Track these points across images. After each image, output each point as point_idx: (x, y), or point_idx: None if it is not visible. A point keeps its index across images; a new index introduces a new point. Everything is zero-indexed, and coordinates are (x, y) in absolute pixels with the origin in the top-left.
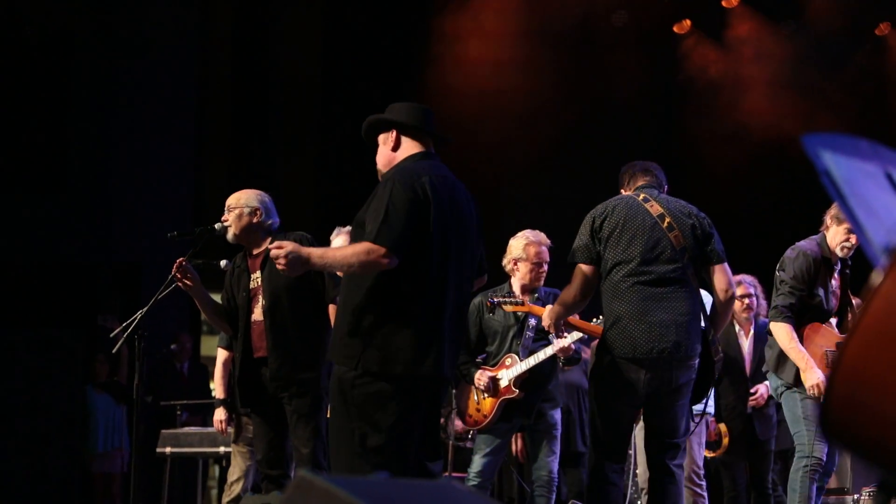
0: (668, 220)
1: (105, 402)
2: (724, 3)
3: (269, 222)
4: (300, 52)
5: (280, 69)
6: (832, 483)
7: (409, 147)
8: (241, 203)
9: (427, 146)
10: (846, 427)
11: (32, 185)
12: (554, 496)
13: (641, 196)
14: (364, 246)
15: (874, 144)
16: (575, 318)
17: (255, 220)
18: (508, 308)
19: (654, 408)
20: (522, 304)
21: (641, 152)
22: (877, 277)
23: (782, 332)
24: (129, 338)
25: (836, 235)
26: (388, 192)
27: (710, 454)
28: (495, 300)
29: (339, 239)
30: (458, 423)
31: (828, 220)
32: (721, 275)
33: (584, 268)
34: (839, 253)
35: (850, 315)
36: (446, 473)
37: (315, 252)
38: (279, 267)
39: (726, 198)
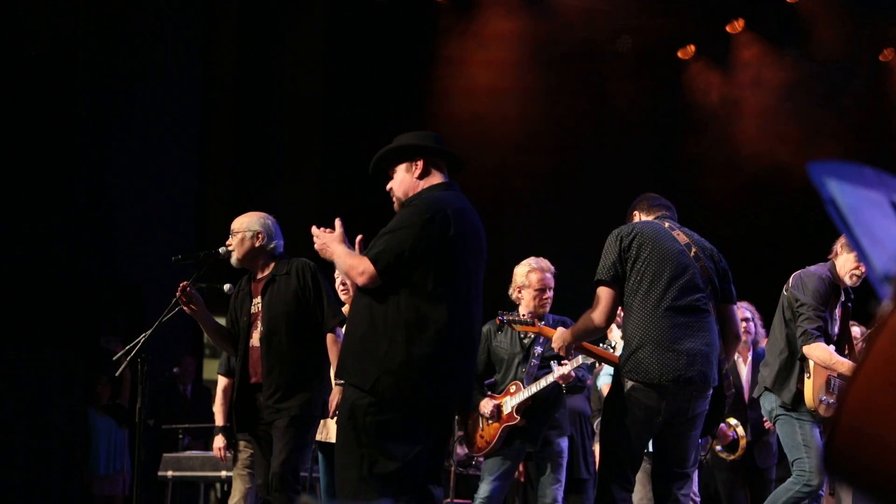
0: (694, 249)
1: (107, 424)
2: (728, 29)
3: (272, 245)
4: (303, 75)
5: (283, 91)
6: None
7: (434, 176)
8: (244, 227)
9: (446, 175)
10: (852, 460)
11: (35, 205)
12: None
13: (666, 224)
14: (358, 259)
15: (879, 173)
16: (587, 343)
17: (257, 243)
18: (518, 327)
19: (668, 436)
20: (533, 323)
21: (644, 178)
22: (886, 308)
23: (822, 352)
24: (133, 361)
25: (846, 263)
26: (404, 214)
27: (729, 457)
28: (505, 318)
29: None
30: (460, 450)
31: (838, 247)
32: (734, 314)
33: (610, 290)
34: (848, 281)
35: (846, 349)
36: (448, 500)
37: (338, 250)
38: (316, 243)
39: (726, 223)
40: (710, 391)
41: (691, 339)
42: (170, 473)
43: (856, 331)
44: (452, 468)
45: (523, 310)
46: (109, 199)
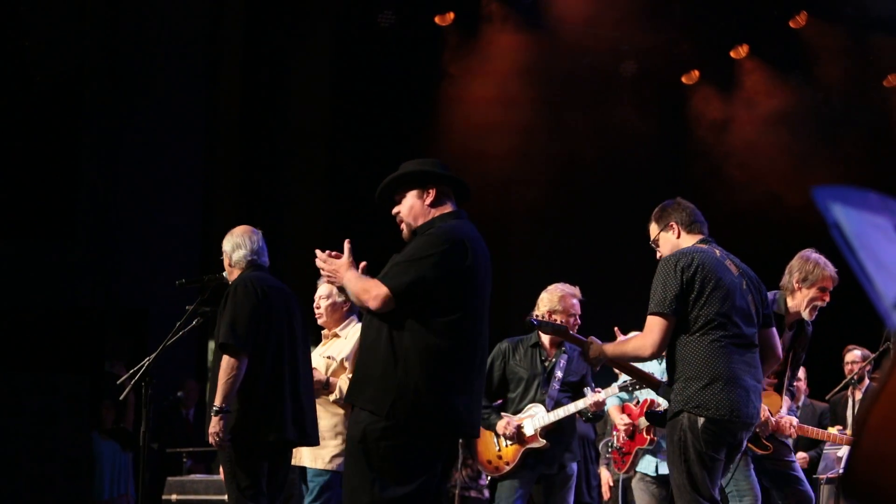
0: (745, 281)
1: (111, 448)
2: (732, 55)
3: (237, 259)
4: (309, 100)
5: (288, 115)
6: None
7: (445, 205)
8: (225, 248)
9: (454, 204)
10: (871, 485)
11: (40, 230)
12: None
13: (717, 252)
14: (370, 283)
15: (884, 197)
16: (632, 365)
17: (229, 263)
18: (547, 331)
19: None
20: (566, 330)
21: (647, 202)
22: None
23: None
24: (136, 384)
25: (805, 297)
26: (423, 241)
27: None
28: (537, 320)
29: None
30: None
31: (794, 283)
32: (775, 337)
33: (668, 322)
34: (806, 315)
35: (786, 378)
36: None
37: (348, 275)
38: (322, 271)
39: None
40: None
41: (750, 377)
42: (174, 497)
43: (857, 354)
44: (457, 491)
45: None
46: (115, 224)
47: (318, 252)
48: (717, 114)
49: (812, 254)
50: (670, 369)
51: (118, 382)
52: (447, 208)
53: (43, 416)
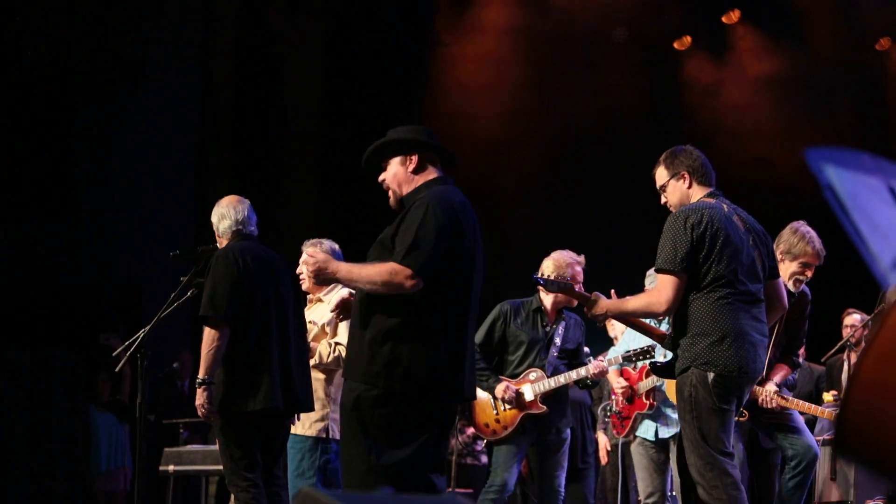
0: (752, 236)
1: (108, 420)
2: (724, 20)
3: (224, 229)
4: (302, 75)
5: (282, 89)
6: (834, 496)
7: (429, 171)
8: (213, 219)
9: (440, 170)
10: (862, 441)
11: (34, 206)
12: None
13: (725, 207)
14: (390, 266)
15: (877, 158)
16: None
17: (217, 234)
18: (553, 289)
19: None
20: (572, 287)
21: (639, 167)
22: (893, 293)
23: None
24: (132, 356)
25: (787, 269)
26: (420, 214)
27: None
28: (543, 279)
29: (308, 251)
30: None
31: (779, 254)
32: (781, 288)
33: (679, 280)
34: (791, 287)
35: (779, 348)
36: (449, 489)
37: (343, 267)
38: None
39: None
40: None
41: (757, 332)
42: (171, 468)
43: (856, 318)
44: (454, 458)
45: (549, 298)
46: (108, 198)
47: (304, 256)
48: (709, 79)
49: (801, 227)
50: (678, 325)
51: (114, 355)
52: (432, 174)
53: (40, 391)
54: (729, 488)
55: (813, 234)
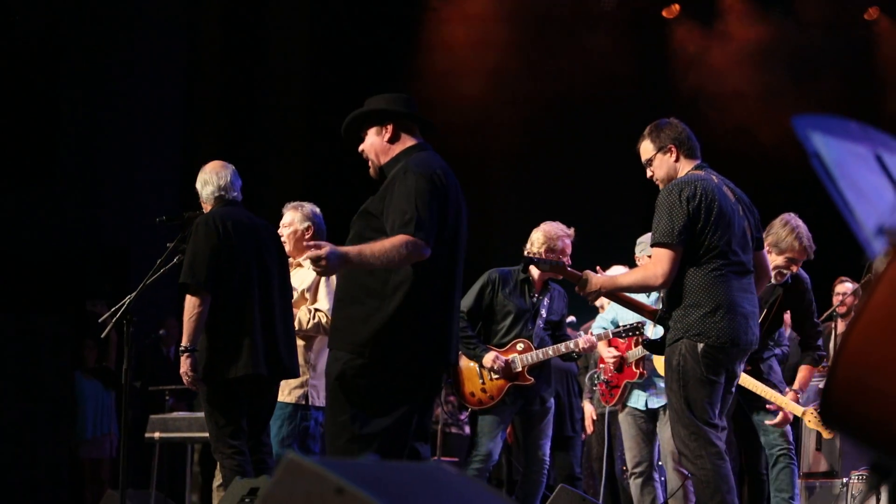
0: (741, 206)
1: (94, 387)
2: None
3: (208, 195)
4: (289, 39)
5: (269, 55)
6: (821, 467)
7: (405, 139)
8: (197, 185)
9: (419, 137)
10: (848, 410)
11: (20, 172)
12: (545, 478)
13: (714, 178)
14: (402, 239)
15: (864, 126)
16: (626, 294)
17: (201, 200)
18: (545, 268)
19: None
20: (563, 266)
21: (626, 134)
22: (881, 263)
23: None
24: (118, 323)
25: (772, 262)
26: (410, 182)
27: None
28: (535, 257)
29: (288, 214)
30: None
31: (766, 245)
32: (766, 259)
33: (676, 252)
34: (773, 279)
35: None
36: (434, 458)
37: (352, 251)
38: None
39: None
40: None
41: (749, 304)
42: (157, 435)
43: (847, 286)
44: (439, 426)
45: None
46: (95, 164)
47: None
48: (697, 47)
49: (792, 220)
50: (671, 297)
51: (100, 321)
52: (409, 142)
53: (26, 357)
54: (713, 458)
55: (802, 229)
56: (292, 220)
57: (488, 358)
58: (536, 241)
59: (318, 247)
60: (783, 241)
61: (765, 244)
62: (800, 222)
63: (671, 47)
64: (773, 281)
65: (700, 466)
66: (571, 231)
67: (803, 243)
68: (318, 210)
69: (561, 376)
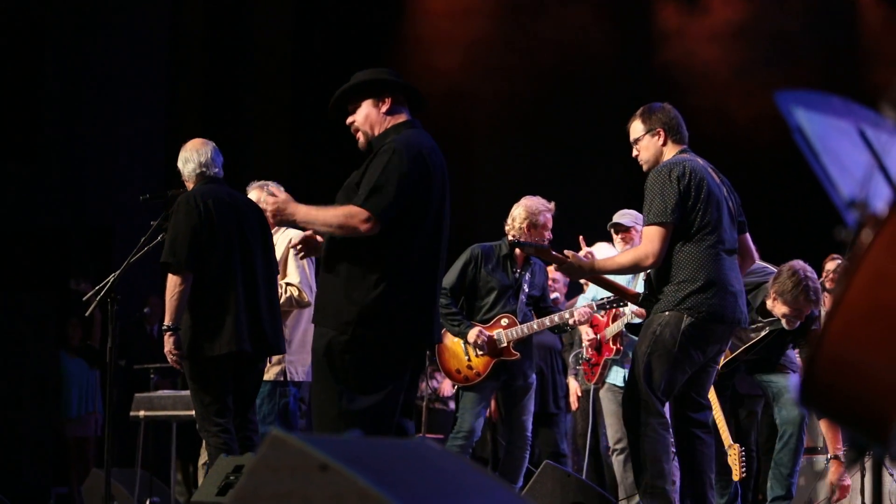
0: (725, 188)
1: (79, 366)
2: None
3: (189, 172)
4: (272, 18)
5: (253, 33)
6: (805, 442)
7: (400, 113)
8: (178, 163)
9: (409, 113)
10: (829, 394)
11: (3, 150)
12: (528, 454)
13: (700, 160)
14: (347, 209)
15: (847, 101)
16: (608, 278)
17: (183, 178)
18: (530, 251)
19: (703, 370)
20: (548, 250)
21: (607, 109)
22: (865, 238)
23: None
24: (102, 301)
25: (779, 311)
26: (385, 159)
27: None
28: (520, 241)
29: (253, 193)
30: (433, 382)
31: (772, 292)
32: (750, 242)
33: (667, 231)
34: (785, 325)
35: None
36: (420, 434)
37: (302, 209)
38: (267, 214)
39: None
40: None
41: (737, 282)
42: (142, 413)
43: (839, 263)
44: (424, 403)
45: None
46: (79, 142)
47: (266, 196)
48: (678, 24)
49: (800, 272)
50: (660, 274)
51: (84, 299)
52: (402, 117)
53: (10, 335)
54: (657, 426)
55: (810, 283)
56: (258, 198)
57: (472, 333)
58: (518, 216)
59: (273, 195)
60: (788, 292)
61: (770, 290)
62: (809, 274)
63: (653, 21)
64: (786, 327)
65: (642, 434)
66: (552, 205)
67: (809, 298)
68: (282, 189)
69: (545, 353)
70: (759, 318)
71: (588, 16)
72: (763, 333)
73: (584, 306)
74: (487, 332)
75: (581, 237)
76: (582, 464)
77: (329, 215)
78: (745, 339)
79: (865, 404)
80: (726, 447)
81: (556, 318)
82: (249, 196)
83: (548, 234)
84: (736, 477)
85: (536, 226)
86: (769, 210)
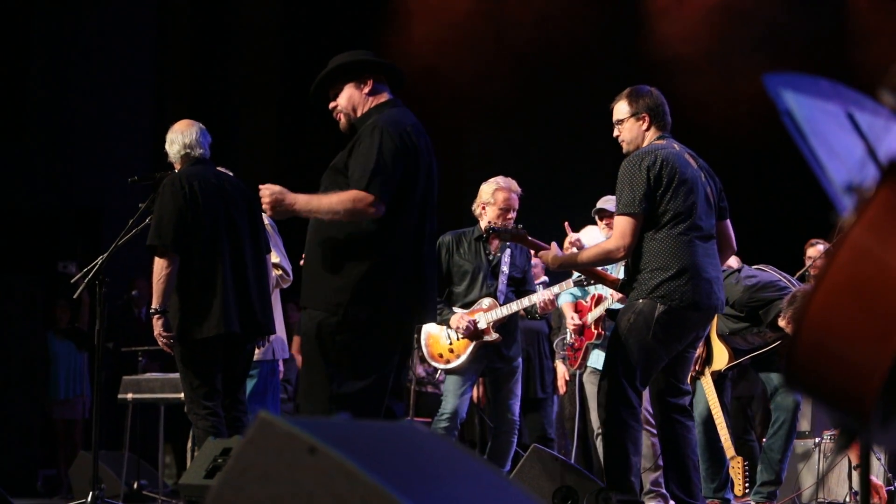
0: (703, 174)
1: (67, 348)
2: None
3: (175, 154)
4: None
5: (241, 14)
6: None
7: (381, 93)
8: (166, 146)
9: (391, 92)
10: (811, 374)
11: None
12: (516, 438)
13: (676, 146)
14: (353, 194)
15: (835, 85)
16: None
17: (169, 158)
18: (506, 238)
19: (679, 356)
20: (524, 236)
21: (600, 106)
22: (846, 222)
23: None
24: (90, 284)
25: (792, 331)
26: (376, 139)
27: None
28: (495, 228)
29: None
30: (420, 368)
31: (787, 315)
32: (730, 229)
33: (637, 221)
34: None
35: None
36: (408, 418)
37: (301, 198)
38: (267, 209)
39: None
40: None
41: (713, 268)
42: (130, 396)
43: (820, 248)
44: (412, 386)
45: (484, 226)
46: (67, 124)
47: (260, 186)
48: (663, 7)
49: None
50: (635, 263)
51: (72, 282)
52: (384, 97)
53: None
54: (628, 417)
55: None
56: None
57: (454, 319)
58: (479, 196)
59: (270, 189)
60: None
61: (786, 313)
62: None
63: (639, 8)
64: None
65: (612, 424)
66: (512, 183)
67: None
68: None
69: (532, 337)
70: (769, 332)
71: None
72: (774, 345)
73: (548, 293)
74: (468, 316)
75: (566, 223)
76: (569, 448)
77: (334, 202)
78: (752, 342)
79: (845, 383)
80: (728, 458)
81: (525, 301)
82: None
83: (511, 215)
84: (738, 492)
85: (489, 203)
86: (753, 197)
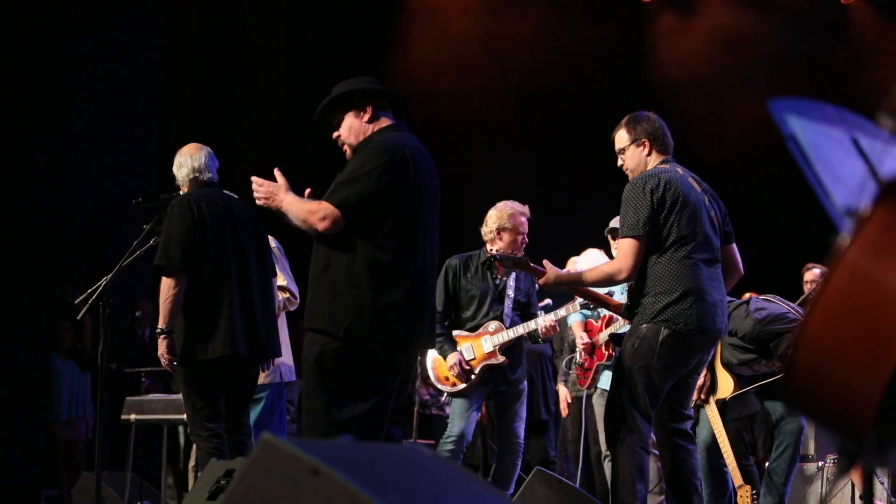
0: (707, 197)
1: (70, 369)
2: None
3: (182, 177)
4: (265, 18)
5: (245, 34)
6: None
7: (382, 119)
8: (173, 169)
9: (393, 117)
10: (808, 395)
11: None
12: (521, 461)
13: (679, 169)
14: (312, 205)
15: (840, 110)
16: (590, 289)
17: (177, 182)
18: (509, 266)
19: (682, 381)
20: (526, 262)
21: (604, 126)
22: (842, 243)
23: None
24: (94, 305)
25: None
26: (360, 158)
27: None
28: (499, 255)
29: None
30: (423, 391)
31: None
32: (736, 253)
33: (641, 244)
34: None
35: None
36: (411, 440)
37: (287, 199)
38: (256, 197)
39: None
40: None
41: (717, 292)
42: (133, 417)
43: (816, 272)
44: (416, 409)
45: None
46: (71, 144)
47: (253, 178)
48: (671, 30)
49: None
50: (638, 287)
51: (76, 302)
52: (385, 122)
53: (0, 337)
54: (634, 444)
55: None
56: None
57: (451, 358)
58: (490, 219)
59: (267, 184)
60: None
61: None
62: None
63: (647, 30)
64: None
65: (620, 451)
66: (525, 208)
67: None
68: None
69: (534, 359)
70: (777, 363)
71: (583, 24)
72: (780, 376)
73: (550, 317)
74: (459, 365)
75: (545, 260)
76: (570, 470)
77: (299, 208)
78: (759, 371)
79: (842, 404)
80: (736, 486)
81: (531, 324)
82: None
83: (521, 238)
84: None
85: (506, 229)
86: (757, 219)
